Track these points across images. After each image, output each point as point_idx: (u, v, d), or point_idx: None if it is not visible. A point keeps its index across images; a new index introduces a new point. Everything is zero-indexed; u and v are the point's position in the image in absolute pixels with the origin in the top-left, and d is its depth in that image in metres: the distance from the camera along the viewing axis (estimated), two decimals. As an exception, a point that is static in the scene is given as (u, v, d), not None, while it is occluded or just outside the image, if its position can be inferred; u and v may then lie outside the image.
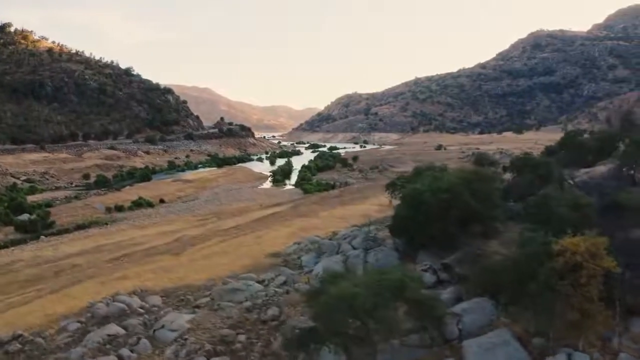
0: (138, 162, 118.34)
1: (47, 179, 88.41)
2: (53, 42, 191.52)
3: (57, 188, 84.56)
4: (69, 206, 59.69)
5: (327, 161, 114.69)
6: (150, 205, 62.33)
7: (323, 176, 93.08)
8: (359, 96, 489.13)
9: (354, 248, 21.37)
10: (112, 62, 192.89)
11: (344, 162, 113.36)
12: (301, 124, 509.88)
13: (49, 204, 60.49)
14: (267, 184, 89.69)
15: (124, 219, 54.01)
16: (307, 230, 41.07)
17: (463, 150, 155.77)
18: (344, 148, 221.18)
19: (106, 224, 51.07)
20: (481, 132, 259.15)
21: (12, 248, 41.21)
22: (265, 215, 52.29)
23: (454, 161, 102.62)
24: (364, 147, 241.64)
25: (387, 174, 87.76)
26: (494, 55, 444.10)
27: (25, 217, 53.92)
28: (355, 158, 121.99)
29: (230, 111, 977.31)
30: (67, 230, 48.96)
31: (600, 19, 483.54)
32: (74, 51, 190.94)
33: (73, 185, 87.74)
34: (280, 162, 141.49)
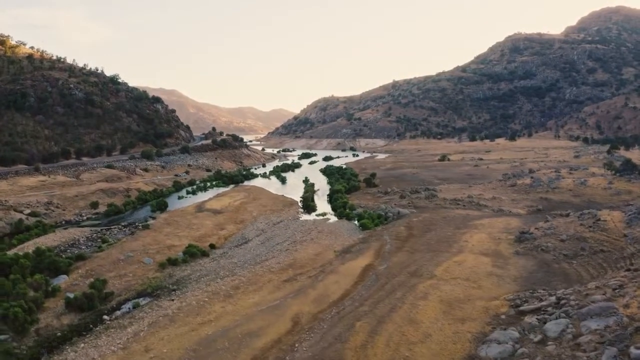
0: (141, 183, 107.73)
1: (53, 211, 77.23)
2: (32, 48, 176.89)
3: (67, 222, 73.81)
4: (108, 259, 49.41)
5: (352, 181, 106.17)
6: (204, 254, 52.61)
7: (358, 201, 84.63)
8: (336, 99, 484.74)
9: None
10: (97, 69, 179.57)
11: (369, 182, 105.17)
12: (277, 128, 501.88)
13: (81, 256, 50.18)
14: (301, 212, 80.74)
15: (188, 279, 44.25)
16: (455, 306, 32.83)
17: (476, 163, 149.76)
18: (338, 157, 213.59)
19: (173, 290, 41.35)
20: (472, 139, 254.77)
21: (82, 344, 31.29)
22: (361, 272, 43.58)
23: (498, 185, 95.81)
24: (356, 155, 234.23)
25: (437, 201, 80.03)
26: (472, 58, 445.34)
27: (62, 279, 44.00)
28: (373, 175, 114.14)
29: (198, 114, 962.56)
30: (127, 301, 39.26)
31: (573, 22, 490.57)
32: (55, 57, 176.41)
33: (84, 218, 76.86)
34: (288, 178, 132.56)
